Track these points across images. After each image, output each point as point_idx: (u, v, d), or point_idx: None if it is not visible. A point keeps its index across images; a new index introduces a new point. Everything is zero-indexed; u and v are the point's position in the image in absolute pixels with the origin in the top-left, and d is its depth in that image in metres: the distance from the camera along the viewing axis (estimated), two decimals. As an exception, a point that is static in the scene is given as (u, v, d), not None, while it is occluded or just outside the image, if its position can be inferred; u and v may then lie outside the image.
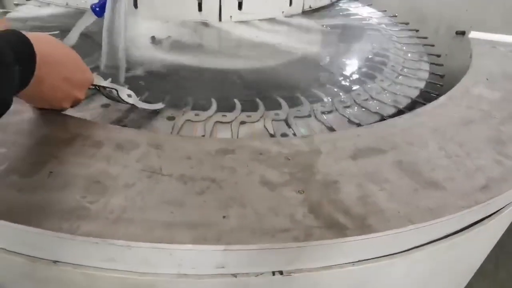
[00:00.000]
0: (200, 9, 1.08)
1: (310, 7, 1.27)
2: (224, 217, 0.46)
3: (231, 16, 1.11)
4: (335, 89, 0.88)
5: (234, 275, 0.47)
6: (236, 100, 0.80)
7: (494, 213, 0.58)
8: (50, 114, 0.61)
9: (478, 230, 0.56)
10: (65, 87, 0.58)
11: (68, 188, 0.47)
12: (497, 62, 0.89)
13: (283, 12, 1.20)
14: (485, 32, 0.99)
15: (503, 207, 0.60)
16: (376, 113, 0.79)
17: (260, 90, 0.86)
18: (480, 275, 0.90)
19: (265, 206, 0.48)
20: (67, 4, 1.12)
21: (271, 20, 1.17)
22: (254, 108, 0.78)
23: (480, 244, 0.69)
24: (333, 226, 0.46)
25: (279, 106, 0.79)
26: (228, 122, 0.73)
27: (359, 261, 0.49)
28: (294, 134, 0.72)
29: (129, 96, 0.70)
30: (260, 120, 0.75)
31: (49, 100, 0.59)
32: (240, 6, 1.11)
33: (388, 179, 0.54)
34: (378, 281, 0.54)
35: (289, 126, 0.74)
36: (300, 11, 1.24)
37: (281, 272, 0.48)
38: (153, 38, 1.06)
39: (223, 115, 0.75)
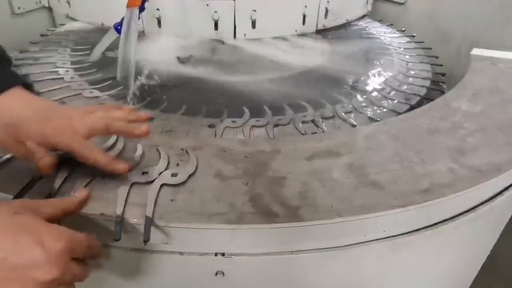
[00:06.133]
0: (216, 27, 1.18)
1: (324, 26, 1.33)
2: (171, 200, 0.53)
3: (245, 34, 1.21)
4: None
5: (180, 253, 0.54)
6: (265, 107, 0.88)
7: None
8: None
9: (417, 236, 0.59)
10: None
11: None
12: (491, 78, 0.89)
13: (296, 30, 1.27)
14: (487, 49, 0.99)
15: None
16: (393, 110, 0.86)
17: (285, 97, 0.94)
18: None
19: (211, 194, 0.55)
20: (102, 24, 1.27)
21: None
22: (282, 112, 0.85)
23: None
24: (266, 213, 0.52)
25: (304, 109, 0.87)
26: (262, 126, 0.80)
27: (296, 250, 0.55)
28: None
29: None
30: (290, 122, 0.82)
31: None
32: (253, 24, 1.20)
33: (333, 178, 0.58)
34: (310, 272, 0.59)
35: (317, 126, 0.80)
36: (313, 29, 1.30)
37: (223, 254, 0.54)
38: (178, 58, 1.18)
39: (256, 120, 0.82)
